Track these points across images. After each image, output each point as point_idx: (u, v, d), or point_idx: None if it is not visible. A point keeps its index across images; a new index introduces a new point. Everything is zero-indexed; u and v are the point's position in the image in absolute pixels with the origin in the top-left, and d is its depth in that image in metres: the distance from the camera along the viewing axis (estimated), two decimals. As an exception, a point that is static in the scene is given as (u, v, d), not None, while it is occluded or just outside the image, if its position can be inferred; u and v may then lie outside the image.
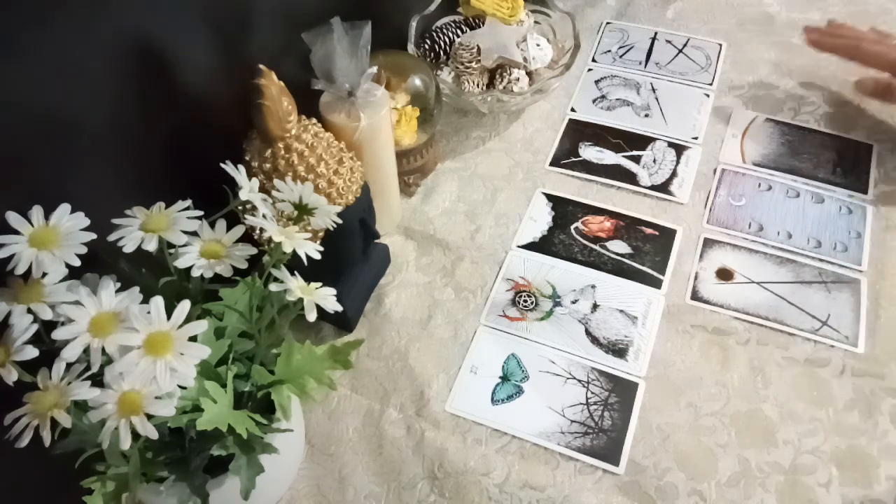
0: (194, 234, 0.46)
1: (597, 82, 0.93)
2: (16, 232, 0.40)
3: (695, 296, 0.72)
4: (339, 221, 0.51)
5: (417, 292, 0.74)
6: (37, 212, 0.41)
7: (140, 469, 0.46)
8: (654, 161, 0.83)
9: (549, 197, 0.81)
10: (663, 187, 0.81)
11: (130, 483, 0.45)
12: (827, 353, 0.67)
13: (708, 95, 0.90)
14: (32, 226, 0.41)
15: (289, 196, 0.49)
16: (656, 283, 0.73)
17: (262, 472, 0.49)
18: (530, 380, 0.67)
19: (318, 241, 0.48)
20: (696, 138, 0.86)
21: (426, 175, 0.83)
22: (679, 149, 0.85)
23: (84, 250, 0.41)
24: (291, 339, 0.52)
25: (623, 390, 0.66)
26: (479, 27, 0.85)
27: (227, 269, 0.46)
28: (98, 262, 0.43)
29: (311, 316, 0.45)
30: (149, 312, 0.41)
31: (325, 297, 0.47)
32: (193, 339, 0.41)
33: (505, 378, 0.67)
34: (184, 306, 0.41)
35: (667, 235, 0.77)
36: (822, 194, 0.79)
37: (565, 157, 0.85)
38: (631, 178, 0.82)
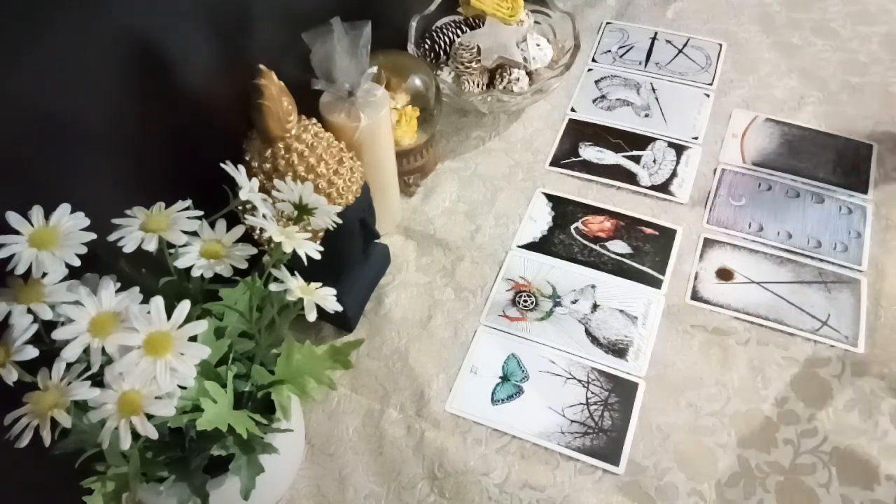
0: (194, 234, 0.46)
1: (597, 82, 0.93)
2: (16, 232, 0.40)
3: (695, 296, 0.72)
4: (339, 221, 0.51)
5: (417, 292, 0.74)
6: (37, 212, 0.41)
7: (140, 469, 0.46)
8: (654, 161, 0.83)
9: (549, 197, 0.81)
10: (663, 187, 0.81)
11: (130, 483, 0.45)
12: (827, 353, 0.67)
13: (708, 95, 0.90)
14: (32, 226, 0.41)
15: (289, 196, 0.49)
16: (656, 283, 0.73)
17: (262, 472, 0.49)
18: (530, 380, 0.67)
19: (318, 241, 0.48)
20: (696, 138, 0.86)
21: (426, 175, 0.83)
22: (679, 149, 0.85)
23: (84, 250, 0.41)
24: (291, 339, 0.52)
25: (623, 390, 0.66)
26: (479, 27, 0.85)
27: (227, 269, 0.46)
28: (98, 262, 0.43)
29: (311, 316, 0.45)
30: (149, 312, 0.41)
31: (325, 297, 0.47)
32: (193, 339, 0.41)
33: (505, 378, 0.67)
34: (184, 306, 0.41)
35: (667, 235, 0.77)
36: (822, 194, 0.79)
37: (565, 157, 0.85)
38: (631, 178, 0.82)
